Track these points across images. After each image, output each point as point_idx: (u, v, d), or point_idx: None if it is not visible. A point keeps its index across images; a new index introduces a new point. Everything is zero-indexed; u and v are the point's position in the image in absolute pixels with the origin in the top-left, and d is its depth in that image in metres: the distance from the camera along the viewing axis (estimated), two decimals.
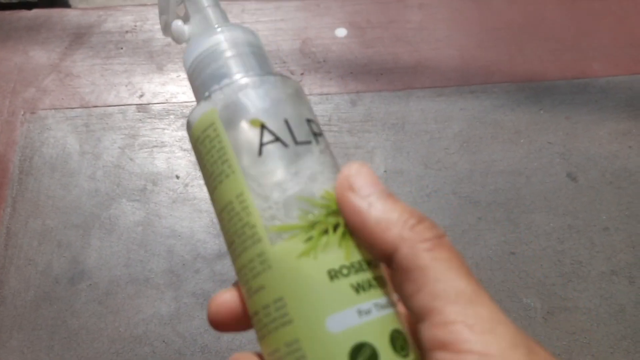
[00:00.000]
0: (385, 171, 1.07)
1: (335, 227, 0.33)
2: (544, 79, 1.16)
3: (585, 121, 1.13)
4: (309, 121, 0.36)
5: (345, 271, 0.31)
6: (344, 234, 0.33)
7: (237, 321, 0.38)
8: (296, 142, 0.33)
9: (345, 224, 0.33)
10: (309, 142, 0.34)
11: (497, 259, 1.01)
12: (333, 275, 0.29)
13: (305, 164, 0.32)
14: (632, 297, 0.98)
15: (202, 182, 1.16)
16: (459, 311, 0.28)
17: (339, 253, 0.31)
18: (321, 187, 0.31)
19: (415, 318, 0.30)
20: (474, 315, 0.28)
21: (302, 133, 0.34)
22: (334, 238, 0.32)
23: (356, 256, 0.32)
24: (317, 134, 0.35)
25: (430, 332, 0.29)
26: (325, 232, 0.32)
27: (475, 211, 1.05)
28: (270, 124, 0.33)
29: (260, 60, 0.38)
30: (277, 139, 0.33)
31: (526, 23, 1.23)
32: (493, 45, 1.20)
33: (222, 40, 0.37)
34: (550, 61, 1.19)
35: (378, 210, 0.32)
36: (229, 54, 0.36)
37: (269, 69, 0.37)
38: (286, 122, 0.34)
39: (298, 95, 0.37)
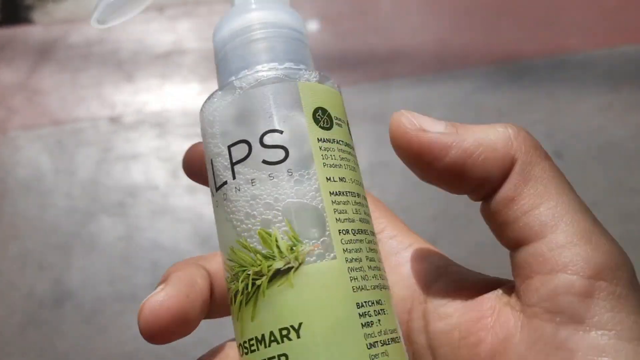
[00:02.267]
0: (369, 164, 1.06)
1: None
2: (522, 58, 1.15)
3: (567, 97, 1.13)
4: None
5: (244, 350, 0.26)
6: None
7: (179, 326, 0.30)
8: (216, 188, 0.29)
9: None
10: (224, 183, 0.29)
11: (489, 243, 1.00)
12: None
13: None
14: None
15: (181, 191, 1.14)
16: (589, 228, 0.25)
17: (236, 326, 0.28)
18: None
19: (525, 239, 0.26)
20: (601, 234, 0.25)
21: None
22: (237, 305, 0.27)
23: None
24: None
25: (552, 252, 0.25)
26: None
27: (464, 197, 1.04)
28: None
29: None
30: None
31: (499, 3, 1.22)
32: (468, 28, 1.19)
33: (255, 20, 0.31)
34: (527, 39, 1.18)
35: (469, 132, 0.26)
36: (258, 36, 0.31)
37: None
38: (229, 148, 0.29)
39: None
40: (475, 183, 0.27)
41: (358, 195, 0.27)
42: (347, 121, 0.31)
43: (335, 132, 0.29)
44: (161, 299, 0.28)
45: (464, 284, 0.29)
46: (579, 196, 0.26)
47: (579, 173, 1.09)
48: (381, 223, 0.32)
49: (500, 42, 1.16)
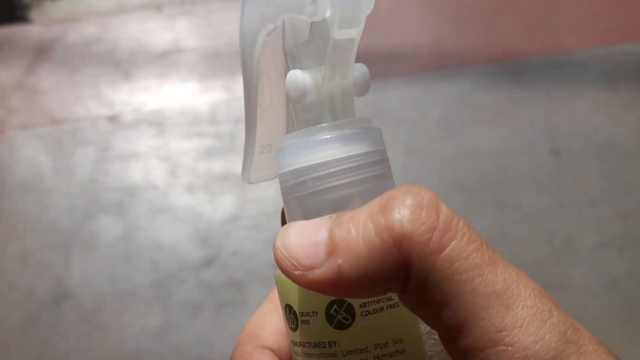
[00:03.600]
0: None
1: None
2: (520, 57, 1.15)
3: (565, 96, 1.13)
4: None
5: None
6: None
7: None
8: None
9: None
10: None
11: (487, 241, 1.00)
12: None
13: None
14: (623, 267, 0.99)
15: (180, 190, 1.14)
16: (495, 327, 0.22)
17: None
18: None
19: (448, 336, 0.24)
20: (512, 326, 0.22)
21: None
22: None
23: None
24: None
25: (460, 357, 0.23)
26: None
27: (462, 195, 1.04)
28: None
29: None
30: None
31: (498, 2, 1.22)
32: (466, 26, 1.19)
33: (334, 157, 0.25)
34: (525, 38, 1.18)
35: (349, 261, 0.23)
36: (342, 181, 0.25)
37: None
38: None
39: None
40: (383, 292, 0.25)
41: None
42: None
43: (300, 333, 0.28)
44: None
45: None
46: (494, 275, 0.23)
47: (577, 172, 1.09)
48: None
49: (498, 41, 1.16)
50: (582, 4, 1.25)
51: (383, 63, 1.17)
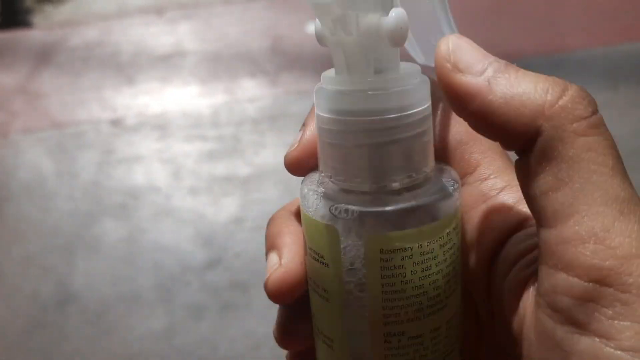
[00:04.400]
0: None
1: None
2: (520, 57, 1.15)
3: None
4: None
5: None
6: None
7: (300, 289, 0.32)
8: None
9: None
10: None
11: None
12: None
13: None
14: None
15: (183, 192, 1.15)
16: (602, 226, 0.22)
17: None
18: None
19: (542, 221, 0.23)
20: (620, 233, 0.22)
21: None
22: None
23: None
24: None
25: (558, 246, 0.22)
26: None
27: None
28: None
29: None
30: None
31: (499, 2, 1.22)
32: (466, 27, 1.19)
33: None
34: (525, 39, 1.18)
35: (502, 84, 0.23)
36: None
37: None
38: None
39: None
40: (499, 139, 0.25)
41: None
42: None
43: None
44: (281, 276, 0.29)
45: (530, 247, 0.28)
46: (622, 183, 0.23)
47: None
48: (473, 160, 0.29)
49: (499, 41, 1.16)
50: (583, 5, 1.25)
51: None
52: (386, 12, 0.25)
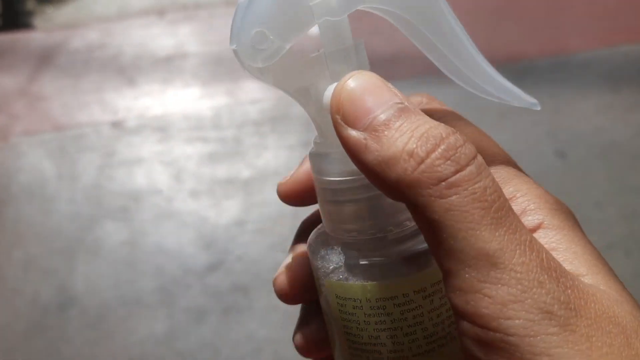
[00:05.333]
0: None
1: None
2: (523, 59, 1.15)
3: (569, 97, 1.13)
4: None
5: None
6: None
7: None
8: None
9: None
10: None
11: None
12: None
13: None
14: (629, 269, 0.98)
15: (184, 195, 1.14)
16: (478, 277, 0.23)
17: None
18: None
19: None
20: (496, 281, 0.23)
21: None
22: None
23: None
24: None
25: (449, 295, 0.24)
26: None
27: None
28: None
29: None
30: None
31: (500, 3, 1.22)
32: (468, 28, 1.19)
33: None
34: (528, 40, 1.18)
35: (376, 145, 0.24)
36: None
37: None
38: None
39: None
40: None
41: None
42: None
43: None
44: (287, 277, 0.32)
45: None
46: (490, 234, 0.23)
47: (581, 173, 1.09)
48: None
49: (501, 43, 1.16)
50: (585, 7, 1.25)
51: (386, 66, 1.17)
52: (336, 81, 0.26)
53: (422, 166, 0.23)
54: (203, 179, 1.19)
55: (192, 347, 0.98)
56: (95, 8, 1.81)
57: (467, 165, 0.23)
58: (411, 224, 0.27)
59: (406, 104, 0.25)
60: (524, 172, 0.29)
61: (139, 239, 1.05)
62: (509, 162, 0.30)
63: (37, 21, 2.03)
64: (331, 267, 0.27)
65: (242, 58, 0.27)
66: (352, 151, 0.25)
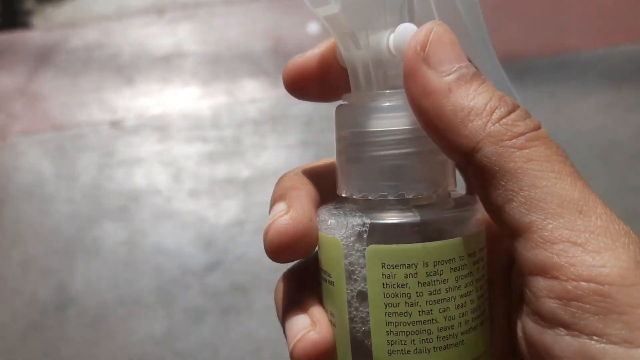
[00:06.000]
0: None
1: None
2: (523, 59, 1.15)
3: (568, 97, 1.13)
4: None
5: None
6: None
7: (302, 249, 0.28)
8: None
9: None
10: None
11: None
12: None
13: None
14: None
15: (184, 195, 1.14)
16: (565, 225, 0.22)
17: None
18: None
19: (508, 232, 0.24)
20: (584, 229, 0.22)
21: None
22: None
23: None
24: None
25: (528, 252, 0.22)
26: None
27: None
28: None
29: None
30: None
31: (500, 2, 1.22)
32: None
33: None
34: (527, 40, 1.18)
35: (458, 94, 0.24)
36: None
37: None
38: None
39: None
40: (440, 144, 0.25)
41: None
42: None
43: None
44: (286, 223, 0.27)
45: None
46: (572, 185, 0.23)
47: (582, 172, 1.09)
48: None
49: (501, 42, 1.16)
50: (584, 6, 1.25)
51: None
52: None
53: (504, 120, 0.23)
54: (202, 178, 1.19)
55: (191, 347, 0.98)
56: (94, 7, 1.81)
57: (540, 127, 0.24)
58: (442, 192, 0.26)
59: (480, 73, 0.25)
60: None
61: (138, 238, 1.05)
62: None
63: (36, 20, 2.03)
64: (373, 233, 0.25)
65: None
66: (431, 92, 0.24)
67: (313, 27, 1.13)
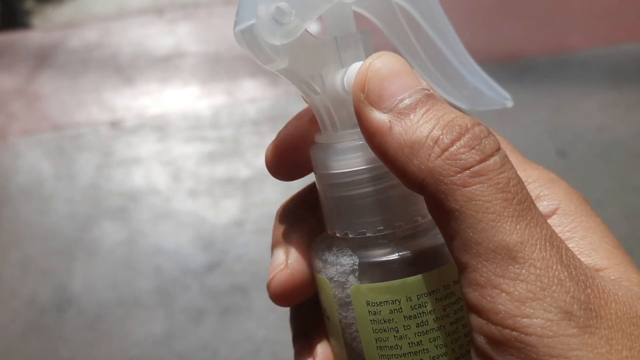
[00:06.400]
0: None
1: None
2: (523, 57, 1.15)
3: (570, 96, 1.12)
4: None
5: None
6: None
7: (305, 294, 0.30)
8: None
9: None
10: None
11: None
12: None
13: None
14: None
15: (183, 195, 1.14)
16: (495, 271, 0.22)
17: None
18: None
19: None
20: (515, 277, 0.22)
21: None
22: None
23: None
24: None
25: (464, 289, 0.23)
26: None
27: None
28: None
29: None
30: None
31: (501, 2, 1.22)
32: (469, 27, 1.18)
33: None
34: (528, 38, 1.18)
35: (401, 127, 0.23)
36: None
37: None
38: None
39: None
40: (399, 179, 0.25)
41: None
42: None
43: None
44: (286, 278, 0.29)
45: None
46: (512, 227, 0.22)
47: (583, 172, 1.08)
48: None
49: (502, 41, 1.16)
50: (586, 4, 1.25)
51: None
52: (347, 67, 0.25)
53: (447, 153, 0.23)
54: (202, 178, 1.18)
55: (190, 348, 0.98)
56: (93, 7, 1.81)
57: (492, 155, 0.23)
58: (423, 220, 0.26)
59: (432, 91, 0.24)
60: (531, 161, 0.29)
61: (137, 239, 1.05)
62: (515, 151, 0.29)
63: (36, 20, 2.03)
64: (356, 272, 0.25)
65: (261, 32, 0.24)
66: (374, 133, 0.24)
67: (313, 28, 1.13)
